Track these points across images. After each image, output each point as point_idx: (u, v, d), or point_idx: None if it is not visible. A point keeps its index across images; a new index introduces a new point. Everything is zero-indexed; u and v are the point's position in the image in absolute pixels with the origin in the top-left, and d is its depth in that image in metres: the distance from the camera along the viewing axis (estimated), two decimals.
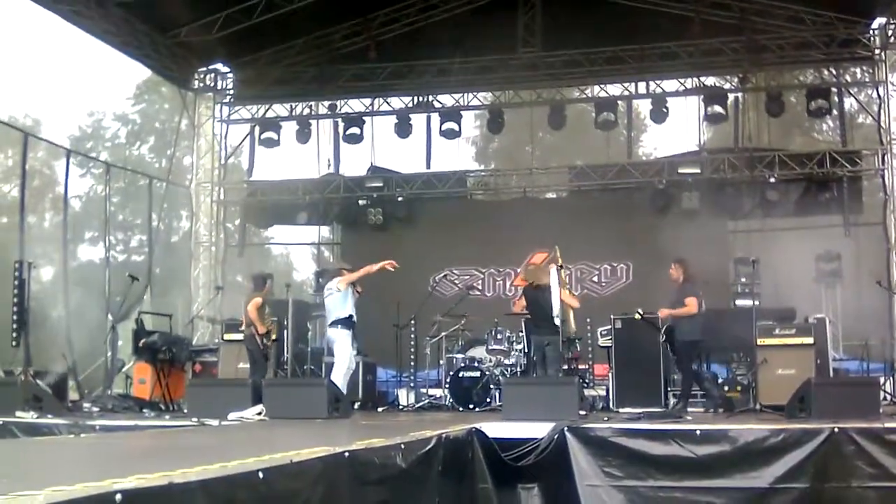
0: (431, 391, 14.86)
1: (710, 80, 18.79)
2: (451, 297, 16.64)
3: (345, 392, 11.49)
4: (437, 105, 19.42)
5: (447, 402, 13.64)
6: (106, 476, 4.01)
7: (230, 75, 19.67)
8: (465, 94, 19.51)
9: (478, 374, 13.38)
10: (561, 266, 11.70)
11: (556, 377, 11.36)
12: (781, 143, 19.74)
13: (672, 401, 12.61)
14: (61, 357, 14.43)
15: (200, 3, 16.48)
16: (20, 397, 10.73)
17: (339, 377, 11.69)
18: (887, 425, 8.17)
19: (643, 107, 20.33)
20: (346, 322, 12.01)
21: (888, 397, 12.04)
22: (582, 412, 9.58)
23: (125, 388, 14.44)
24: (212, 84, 19.45)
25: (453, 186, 19.29)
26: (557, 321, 11.27)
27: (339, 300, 12.06)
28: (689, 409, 11.78)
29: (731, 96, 18.33)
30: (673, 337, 11.93)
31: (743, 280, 16.84)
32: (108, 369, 13.90)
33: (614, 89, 18.94)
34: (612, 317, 13.68)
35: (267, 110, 19.72)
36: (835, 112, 18.41)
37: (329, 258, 22.81)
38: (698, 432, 8.30)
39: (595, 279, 18.16)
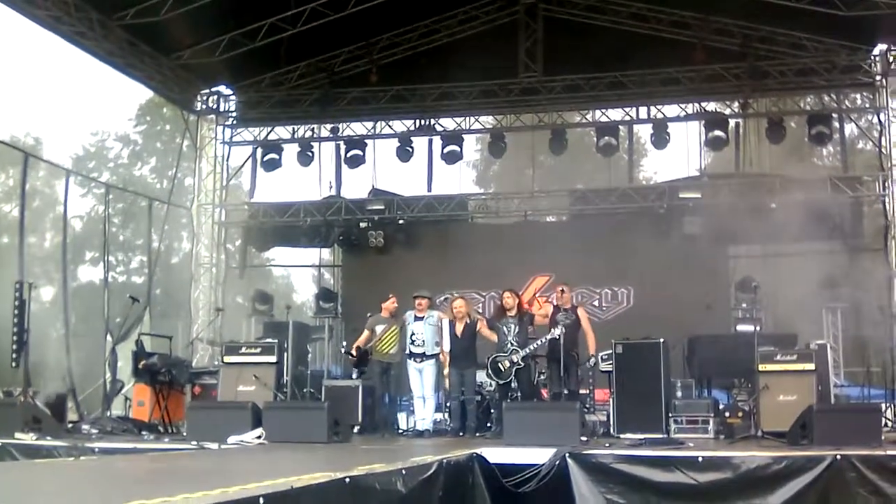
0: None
1: (711, 106, 18.79)
2: None
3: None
4: (438, 128, 19.43)
5: (447, 426, 13.57)
6: (108, 502, 4.00)
7: (233, 97, 19.73)
8: (467, 118, 19.56)
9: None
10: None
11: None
12: (782, 168, 19.74)
13: (673, 426, 12.51)
14: (60, 378, 14.39)
15: (204, 26, 16.49)
16: (19, 419, 10.69)
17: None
18: (889, 452, 8.16)
19: (644, 131, 20.35)
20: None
21: (889, 424, 11.98)
22: (583, 438, 9.55)
23: (124, 410, 14.33)
24: (214, 106, 19.49)
25: (454, 209, 19.30)
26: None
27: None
28: (690, 436, 11.73)
29: (732, 122, 18.35)
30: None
31: (744, 305, 16.79)
32: (108, 391, 13.86)
33: (615, 114, 18.96)
34: (612, 341, 13.55)
35: (269, 133, 19.76)
36: (836, 138, 18.41)
37: (329, 280, 22.78)
38: (700, 459, 8.29)
39: (595, 303, 18.06)
